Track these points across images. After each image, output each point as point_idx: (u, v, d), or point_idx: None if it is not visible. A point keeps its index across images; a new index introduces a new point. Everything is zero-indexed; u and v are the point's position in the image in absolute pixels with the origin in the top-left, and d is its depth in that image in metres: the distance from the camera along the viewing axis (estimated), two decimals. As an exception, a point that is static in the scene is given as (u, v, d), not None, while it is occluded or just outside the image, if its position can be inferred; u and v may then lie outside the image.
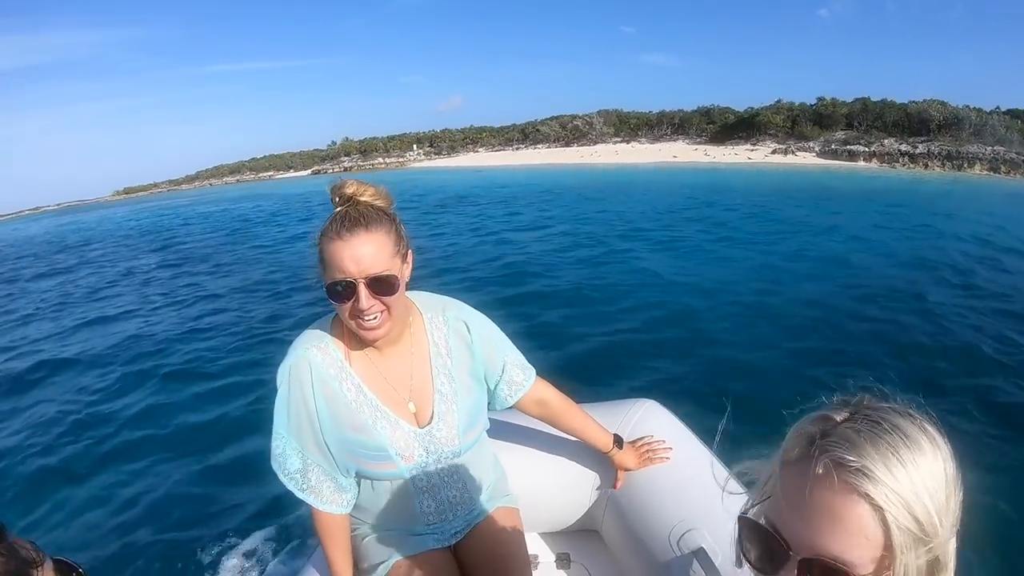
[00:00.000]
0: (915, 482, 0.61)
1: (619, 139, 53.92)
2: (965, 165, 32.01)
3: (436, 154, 72.21)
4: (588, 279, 8.92)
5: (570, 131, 58.81)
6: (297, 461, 1.46)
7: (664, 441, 1.91)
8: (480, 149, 68.87)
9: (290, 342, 1.49)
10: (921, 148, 34.22)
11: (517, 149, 62.63)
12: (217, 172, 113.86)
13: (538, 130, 63.44)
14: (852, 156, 35.24)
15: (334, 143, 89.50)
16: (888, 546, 0.61)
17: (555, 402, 1.74)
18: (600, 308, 7.49)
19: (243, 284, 11.28)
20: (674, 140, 48.77)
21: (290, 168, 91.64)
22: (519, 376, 1.67)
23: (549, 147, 58.51)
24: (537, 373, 1.72)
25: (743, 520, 0.74)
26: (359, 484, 1.57)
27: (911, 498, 0.60)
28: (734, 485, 1.69)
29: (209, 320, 8.71)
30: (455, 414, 1.54)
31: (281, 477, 1.47)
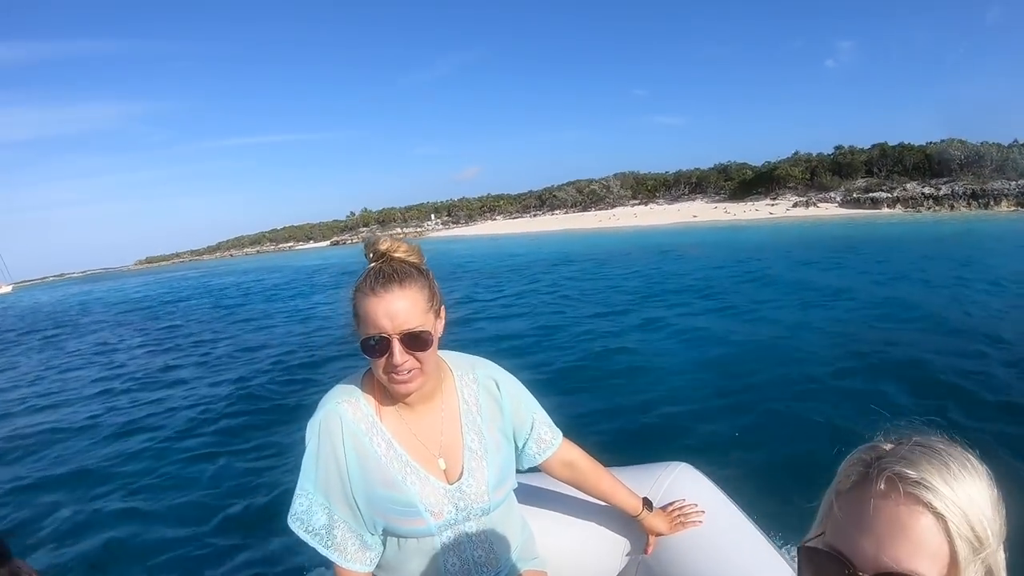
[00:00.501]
0: (970, 494, 0.63)
1: (637, 201, 54.30)
2: (991, 203, 31.37)
3: (454, 223, 73.47)
4: (617, 343, 8.64)
5: (587, 195, 59.45)
6: (323, 517, 1.42)
7: (696, 505, 1.86)
8: (498, 217, 70.21)
9: (313, 402, 1.48)
10: (945, 189, 33.66)
11: (535, 216, 63.51)
12: (238, 243, 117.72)
13: (555, 196, 64.37)
14: (875, 203, 34.75)
15: (353, 214, 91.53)
16: (951, 556, 0.62)
17: (583, 464, 1.73)
18: (631, 372, 7.23)
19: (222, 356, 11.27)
20: (692, 199, 48.90)
21: (310, 239, 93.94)
22: (547, 434, 1.67)
23: (567, 212, 59.17)
24: (564, 436, 1.73)
25: (805, 549, 0.72)
26: (384, 541, 1.52)
27: (968, 508, 0.62)
28: (771, 551, 1.60)
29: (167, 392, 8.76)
30: (485, 470, 1.53)
31: (303, 534, 1.43)
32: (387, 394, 1.46)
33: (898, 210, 33.66)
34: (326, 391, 1.50)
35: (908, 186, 35.65)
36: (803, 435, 4.84)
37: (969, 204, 32.03)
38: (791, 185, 41.37)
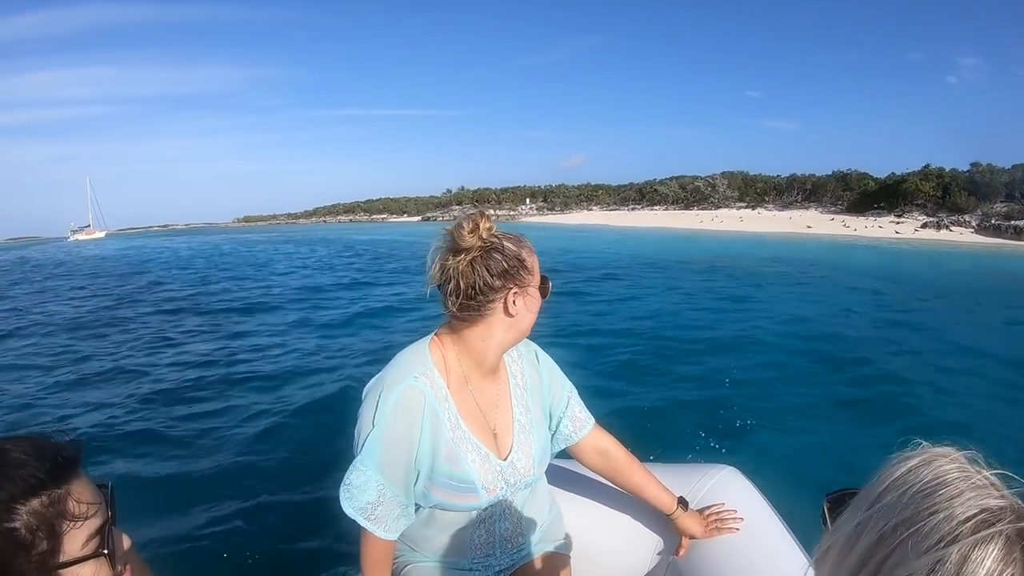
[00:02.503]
0: None
1: (743, 204, 51.61)
2: None
3: (549, 209, 72.63)
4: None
5: (690, 192, 57.11)
6: (373, 494, 1.36)
7: (736, 512, 1.76)
8: (594, 207, 68.96)
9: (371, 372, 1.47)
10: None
11: (632, 209, 62.00)
12: (333, 210, 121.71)
13: (656, 190, 62.43)
14: (1018, 233, 31.32)
15: (449, 191, 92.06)
16: None
17: (616, 453, 1.70)
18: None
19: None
20: (806, 208, 45.97)
21: (404, 212, 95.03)
22: (582, 414, 1.67)
23: (667, 209, 57.17)
24: (607, 430, 1.72)
25: None
26: (417, 508, 1.48)
27: None
28: (807, 567, 1.52)
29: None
30: (531, 444, 1.54)
31: (348, 506, 1.38)
32: (456, 366, 1.44)
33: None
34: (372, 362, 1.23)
35: (1060, 215, 32.02)
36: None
37: None
38: (919, 202, 38.02)
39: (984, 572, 0.47)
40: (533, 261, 1.41)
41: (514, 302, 1.38)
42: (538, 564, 1.64)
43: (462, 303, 1.36)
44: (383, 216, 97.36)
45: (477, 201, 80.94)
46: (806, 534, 1.69)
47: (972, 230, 33.30)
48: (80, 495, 0.74)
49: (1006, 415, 5.87)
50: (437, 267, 1.36)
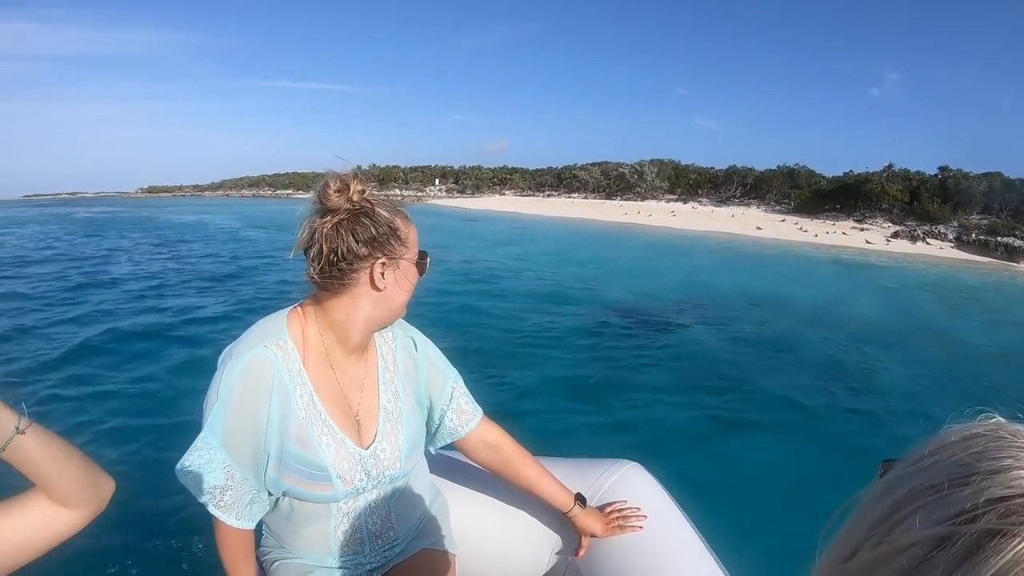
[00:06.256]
0: None
1: (674, 197, 44.52)
2: None
3: (459, 192, 66.43)
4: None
5: (614, 180, 49.90)
6: (221, 477, 1.24)
7: (639, 509, 1.67)
8: (508, 192, 61.99)
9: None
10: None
11: (548, 196, 55.17)
12: (239, 183, 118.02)
13: (575, 175, 55.35)
14: (1010, 252, 25.43)
15: (359, 167, 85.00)
16: None
17: (507, 448, 1.59)
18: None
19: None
20: (746, 204, 39.14)
21: (310, 188, 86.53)
22: (468, 406, 1.56)
23: (586, 197, 49.96)
24: (497, 423, 1.62)
25: None
26: (276, 502, 1.38)
27: None
28: (713, 567, 1.53)
29: None
30: (399, 435, 1.42)
31: (193, 488, 1.26)
32: (316, 340, 1.32)
33: (1042, 266, 24.45)
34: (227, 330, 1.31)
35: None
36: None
37: None
38: (884, 207, 31.83)
39: (998, 568, 0.36)
40: (409, 232, 1.30)
41: (382, 274, 1.27)
42: (417, 563, 1.51)
43: (323, 269, 1.24)
44: (288, 192, 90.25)
45: (383, 179, 72.91)
46: (712, 532, 1.65)
47: (951, 244, 27.32)
48: None
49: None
50: (306, 230, 1.25)
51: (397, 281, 1.29)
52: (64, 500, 0.91)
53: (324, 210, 1.23)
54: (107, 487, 0.99)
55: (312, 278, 1.26)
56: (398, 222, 1.27)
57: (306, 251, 1.25)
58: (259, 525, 1.39)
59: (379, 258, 1.25)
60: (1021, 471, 0.39)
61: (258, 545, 1.45)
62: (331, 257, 1.22)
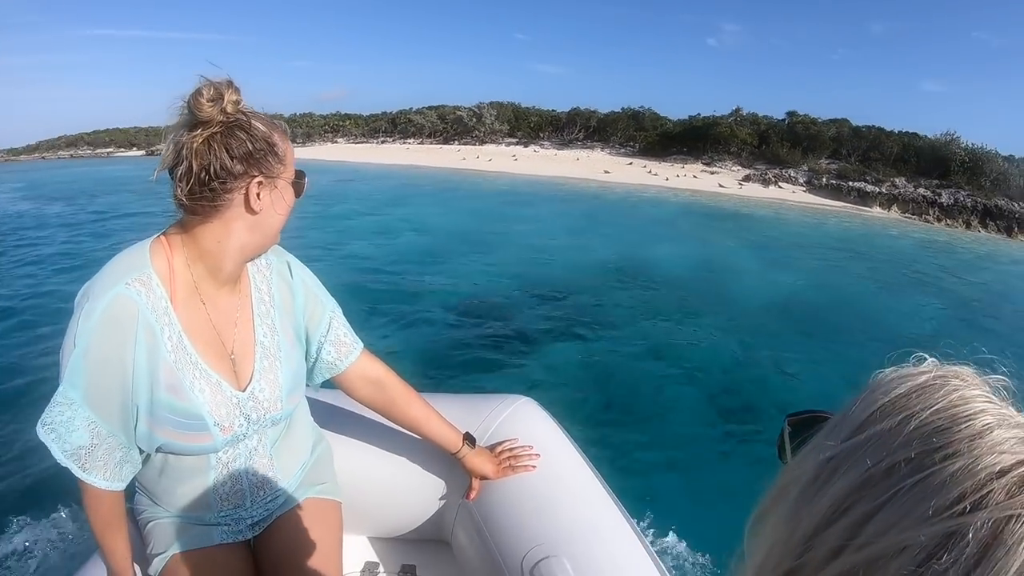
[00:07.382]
0: None
1: (514, 140, 40.64)
2: (1016, 230, 21.47)
3: (291, 141, 57.50)
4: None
5: (452, 124, 45.27)
6: (86, 436, 1.12)
7: (532, 448, 1.61)
8: (340, 140, 55.49)
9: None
10: (946, 197, 23.49)
11: (382, 142, 49.44)
12: (56, 144, 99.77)
13: (411, 120, 50.09)
14: (863, 197, 23.89)
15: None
16: None
17: (391, 384, 1.47)
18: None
19: None
20: (590, 148, 35.89)
21: (133, 146, 76.01)
22: (347, 338, 1.42)
23: (422, 142, 45.17)
24: (380, 358, 1.49)
25: None
26: (147, 458, 1.25)
27: None
28: (608, 503, 1.47)
29: None
30: (278, 372, 1.29)
31: (55, 449, 1.12)
32: (184, 273, 1.17)
33: (894, 213, 23.16)
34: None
35: (898, 182, 25.12)
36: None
37: (985, 224, 22.04)
38: (733, 150, 29.67)
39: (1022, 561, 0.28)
40: (286, 148, 1.18)
41: (258, 195, 1.14)
42: (300, 513, 1.41)
43: (192, 190, 1.10)
44: (109, 150, 77.94)
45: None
46: (607, 468, 1.58)
47: (803, 188, 25.56)
48: None
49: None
50: (171, 147, 1.11)
51: (274, 203, 1.16)
52: None
53: (194, 122, 1.08)
54: None
55: (179, 200, 1.11)
56: (275, 137, 1.15)
57: (171, 170, 1.11)
58: (130, 483, 1.23)
59: (255, 177, 1.12)
60: (1004, 431, 0.32)
61: (129, 504, 1.30)
62: (202, 176, 1.08)
